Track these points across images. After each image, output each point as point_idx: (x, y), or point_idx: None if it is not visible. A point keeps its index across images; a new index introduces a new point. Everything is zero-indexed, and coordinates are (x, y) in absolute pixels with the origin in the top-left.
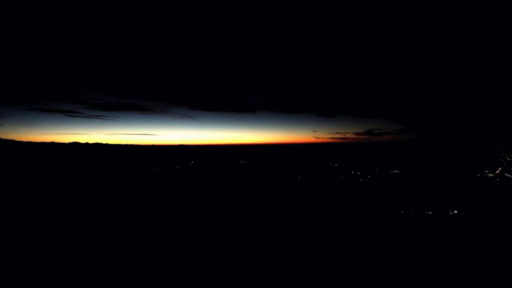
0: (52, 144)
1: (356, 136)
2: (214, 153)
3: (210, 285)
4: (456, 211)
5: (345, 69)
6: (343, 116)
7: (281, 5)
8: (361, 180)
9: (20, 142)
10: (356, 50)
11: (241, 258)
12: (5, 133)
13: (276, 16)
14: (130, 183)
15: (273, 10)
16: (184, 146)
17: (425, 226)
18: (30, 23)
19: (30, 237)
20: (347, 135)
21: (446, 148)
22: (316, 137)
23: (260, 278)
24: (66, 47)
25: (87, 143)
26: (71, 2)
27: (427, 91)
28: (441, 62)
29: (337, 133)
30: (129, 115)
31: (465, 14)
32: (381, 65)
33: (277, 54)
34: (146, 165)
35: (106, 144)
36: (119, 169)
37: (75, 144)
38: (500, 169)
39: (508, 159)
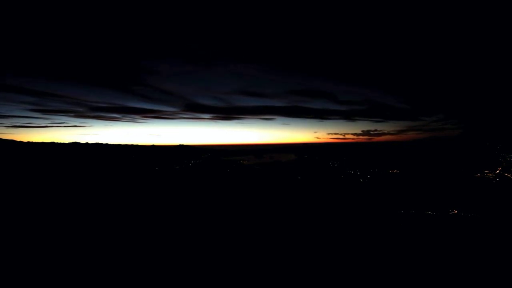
0: (52, 144)
1: (355, 137)
2: (214, 153)
3: (210, 285)
4: (456, 211)
5: (345, 69)
6: (341, 117)
7: (280, 6)
8: (361, 180)
9: (20, 142)
10: (356, 50)
11: (241, 257)
12: (5, 133)
13: (268, 15)
14: (130, 183)
15: (274, 11)
16: (184, 146)
17: (425, 226)
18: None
19: (31, 236)
20: (347, 136)
21: (446, 148)
22: (317, 138)
23: (260, 277)
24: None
25: (87, 143)
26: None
27: (428, 92)
28: (441, 63)
29: (336, 133)
30: None
31: (463, 14)
32: (381, 65)
33: (278, 55)
34: (146, 165)
35: (106, 144)
36: (119, 169)
37: (75, 144)
38: (500, 169)
39: (508, 159)
